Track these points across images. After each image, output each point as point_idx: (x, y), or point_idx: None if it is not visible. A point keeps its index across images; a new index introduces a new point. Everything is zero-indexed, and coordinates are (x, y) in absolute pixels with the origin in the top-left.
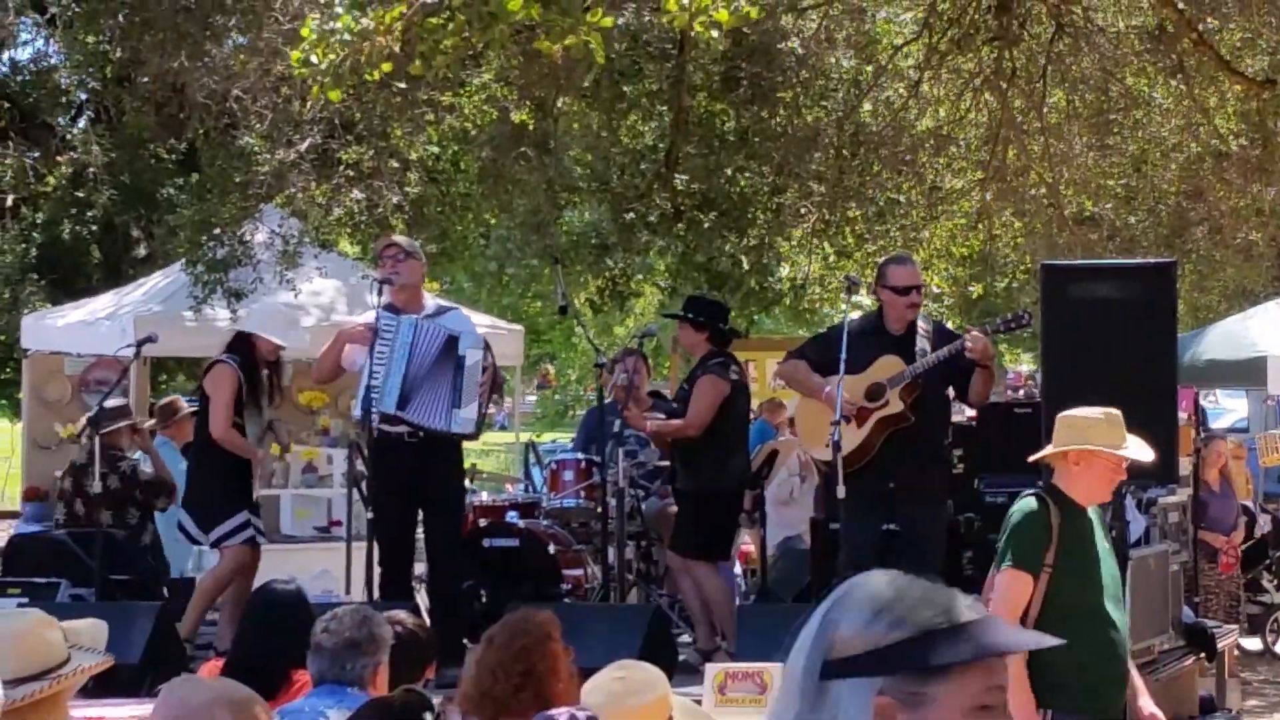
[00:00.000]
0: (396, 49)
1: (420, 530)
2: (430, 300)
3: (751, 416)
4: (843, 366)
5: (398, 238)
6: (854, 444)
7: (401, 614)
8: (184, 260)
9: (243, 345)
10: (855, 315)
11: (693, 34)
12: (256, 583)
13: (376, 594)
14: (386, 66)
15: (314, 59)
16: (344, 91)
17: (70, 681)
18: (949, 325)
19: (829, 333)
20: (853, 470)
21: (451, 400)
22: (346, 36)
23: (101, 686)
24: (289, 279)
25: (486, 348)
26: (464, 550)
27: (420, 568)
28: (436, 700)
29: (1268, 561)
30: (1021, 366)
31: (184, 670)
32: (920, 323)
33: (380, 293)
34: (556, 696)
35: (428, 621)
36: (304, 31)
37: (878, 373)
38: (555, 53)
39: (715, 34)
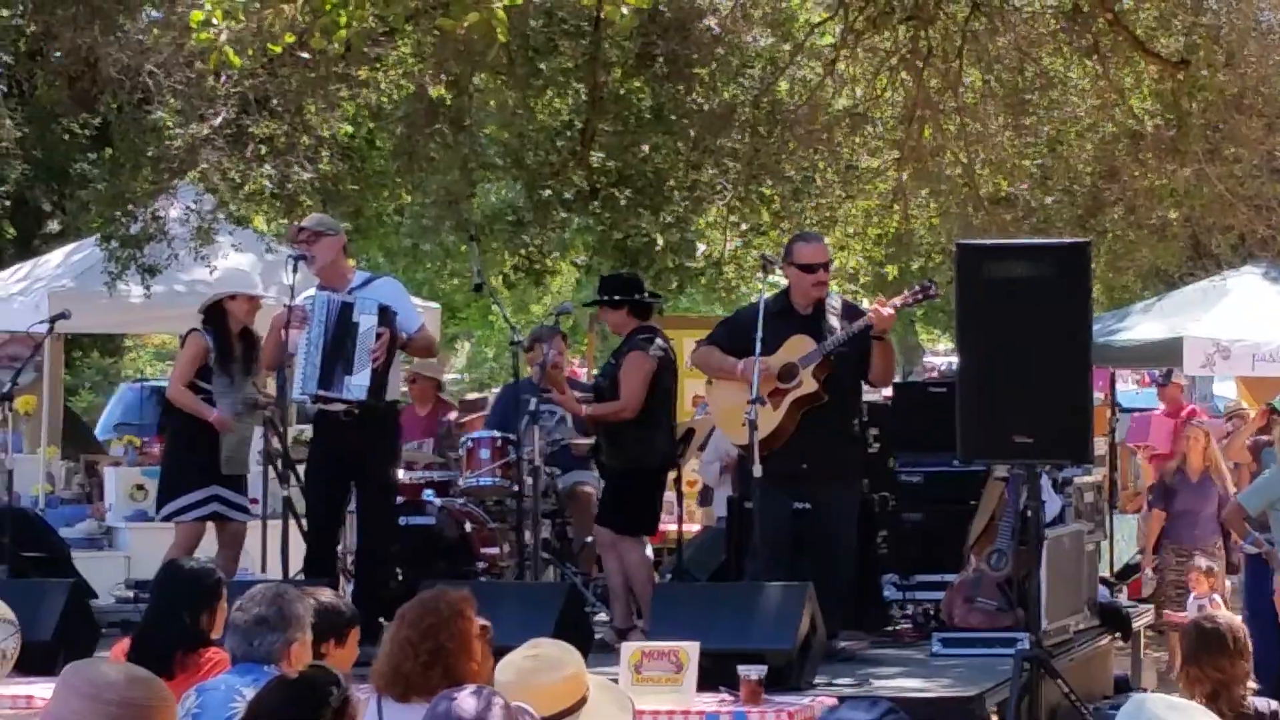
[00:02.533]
0: (299, 18)
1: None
2: (358, 273)
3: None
4: (758, 346)
5: (308, 219)
6: (770, 426)
7: (323, 590)
8: (97, 236)
9: (216, 314)
10: (769, 294)
11: (591, 13)
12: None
13: (299, 572)
14: (289, 37)
15: (214, 21)
16: (251, 63)
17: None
18: (865, 305)
19: (737, 315)
20: (769, 452)
21: (343, 367)
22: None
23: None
24: (204, 255)
25: (389, 315)
26: (394, 529)
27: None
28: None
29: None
30: (938, 345)
31: (94, 649)
32: (830, 300)
33: (295, 269)
34: (467, 675)
35: (348, 598)
36: None
37: (789, 352)
38: (457, 29)
39: (625, 11)
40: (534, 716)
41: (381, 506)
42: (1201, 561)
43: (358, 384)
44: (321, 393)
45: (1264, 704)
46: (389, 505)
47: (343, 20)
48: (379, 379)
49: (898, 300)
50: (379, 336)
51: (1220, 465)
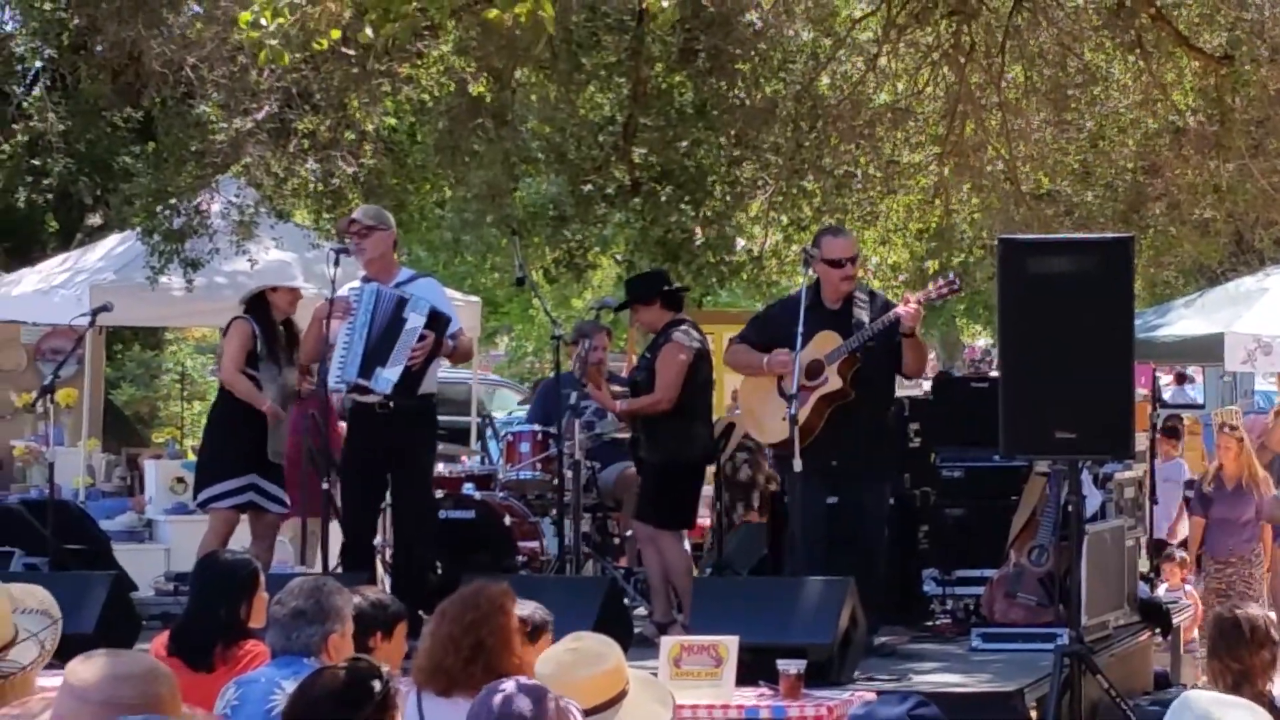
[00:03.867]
0: (346, 15)
1: (388, 500)
2: (404, 269)
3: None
4: (799, 340)
5: (359, 211)
6: (798, 423)
7: (370, 586)
8: (139, 229)
9: (258, 304)
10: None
11: (647, 5)
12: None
13: (337, 564)
14: (335, 33)
15: (263, 21)
16: (294, 57)
17: (45, 658)
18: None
19: (767, 311)
20: (789, 451)
21: (379, 360)
22: (295, 0)
23: (54, 656)
24: (245, 249)
25: (442, 321)
26: (431, 522)
27: (379, 539)
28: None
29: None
30: (978, 341)
31: (135, 641)
32: (858, 294)
33: (337, 263)
34: (509, 669)
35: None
36: None
37: (816, 348)
38: (505, 21)
39: (666, 4)
40: (578, 711)
41: (418, 500)
42: (1176, 553)
43: (387, 378)
44: (360, 381)
45: None
46: (426, 498)
47: (394, 14)
48: (410, 379)
49: (921, 295)
50: (422, 339)
51: (1256, 471)
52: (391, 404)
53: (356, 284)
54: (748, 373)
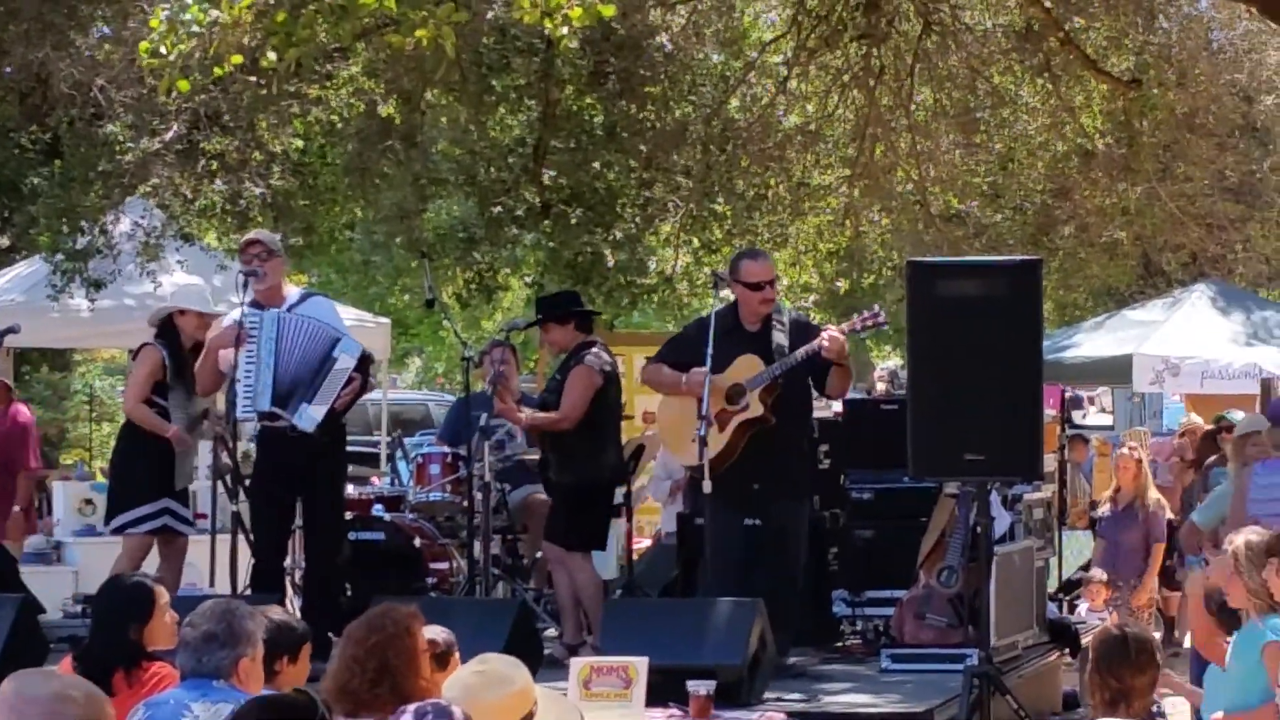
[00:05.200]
0: (247, 41)
1: (298, 523)
2: (293, 290)
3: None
4: (709, 362)
5: (260, 234)
6: (717, 447)
7: (275, 607)
8: (43, 249)
9: (168, 330)
10: (717, 309)
11: (545, 30)
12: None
13: (246, 587)
14: (236, 59)
15: (163, 49)
16: (203, 80)
17: None
18: (814, 319)
19: (684, 332)
20: (716, 473)
21: (305, 395)
22: (196, 28)
23: None
24: (150, 270)
25: (365, 358)
26: (341, 544)
27: (288, 561)
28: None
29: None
30: (888, 362)
31: (43, 663)
32: (776, 316)
33: (245, 286)
34: (415, 691)
35: (296, 614)
36: (153, 22)
37: (737, 372)
38: (407, 46)
39: (565, 31)
40: None
41: (330, 522)
42: (1097, 573)
43: (311, 416)
44: (275, 409)
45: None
46: (337, 521)
47: (296, 38)
48: (332, 419)
49: (846, 326)
50: (349, 381)
51: (1148, 493)
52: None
53: (238, 311)
54: (666, 391)
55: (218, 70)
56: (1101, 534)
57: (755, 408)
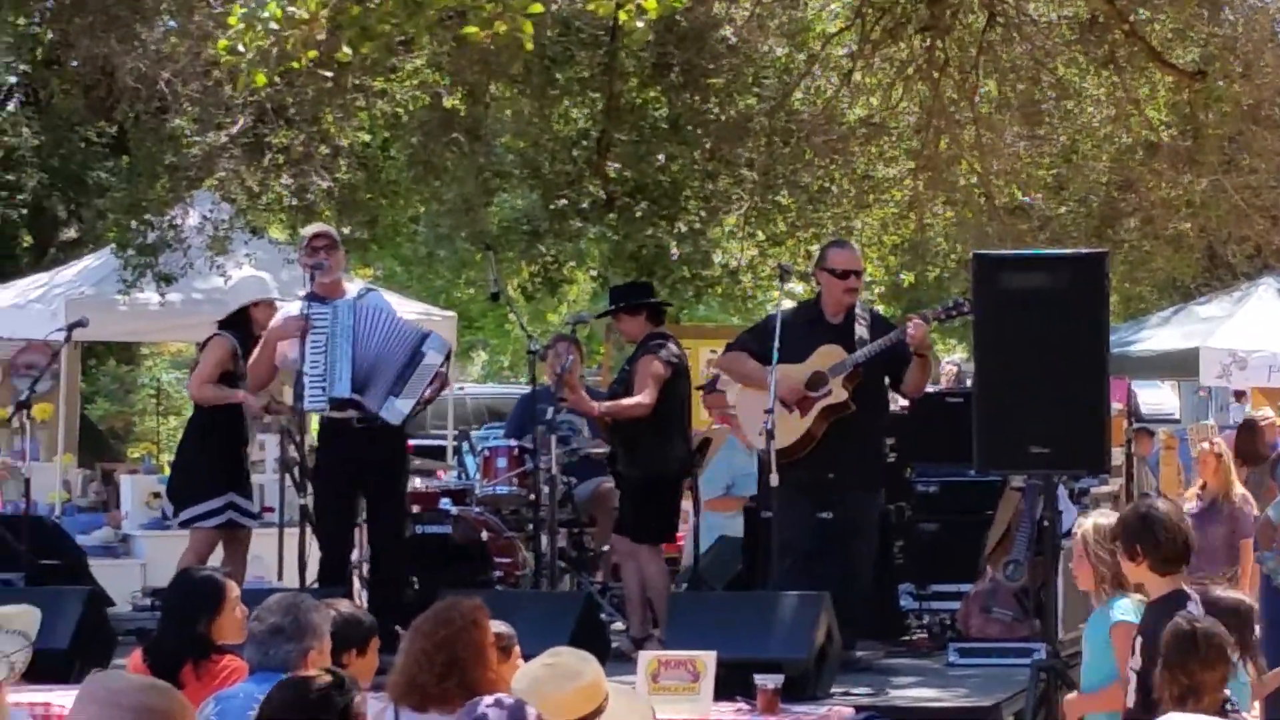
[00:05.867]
0: (323, 36)
1: (363, 517)
2: (350, 285)
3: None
4: (776, 355)
5: (322, 227)
6: (797, 433)
7: (342, 601)
8: (113, 243)
9: (238, 320)
10: (788, 303)
11: (609, 22)
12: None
13: (314, 580)
14: (312, 54)
15: (240, 46)
16: (271, 77)
17: (14, 677)
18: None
19: (766, 322)
20: (794, 459)
21: (392, 388)
22: (273, 25)
23: (28, 672)
24: (219, 264)
25: (449, 355)
26: (406, 538)
27: (356, 554)
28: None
29: None
30: (954, 355)
31: (111, 657)
32: (858, 309)
33: (312, 279)
34: (483, 684)
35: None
36: (231, 19)
37: (818, 361)
38: (483, 38)
39: (640, 24)
40: None
41: (394, 515)
42: None
43: (399, 409)
44: (354, 397)
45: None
46: (401, 513)
47: (371, 32)
48: (416, 412)
49: (928, 313)
50: (436, 377)
51: (1233, 488)
52: (367, 421)
53: (296, 304)
54: (745, 382)
55: (295, 65)
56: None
57: (838, 393)
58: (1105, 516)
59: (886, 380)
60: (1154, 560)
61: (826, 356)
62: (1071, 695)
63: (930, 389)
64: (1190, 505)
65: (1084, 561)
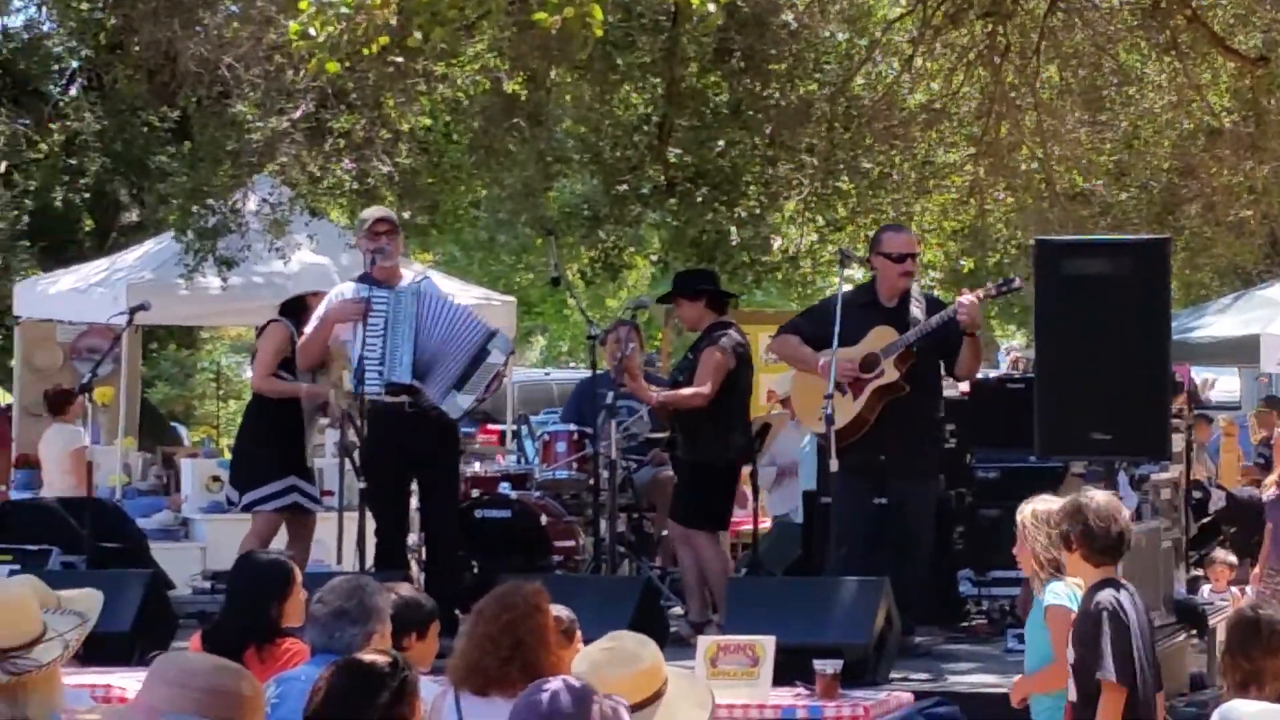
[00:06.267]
0: (393, 21)
1: (415, 501)
2: (406, 270)
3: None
4: (836, 340)
5: (384, 211)
6: (850, 416)
7: (402, 584)
8: (174, 228)
9: (295, 308)
10: (848, 289)
11: (690, 6)
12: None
13: (370, 564)
14: (383, 40)
15: (311, 31)
16: (342, 64)
17: (67, 656)
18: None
19: (821, 306)
20: (847, 443)
21: (455, 382)
22: (344, 9)
23: (90, 655)
24: (278, 247)
25: (510, 353)
26: (459, 521)
27: (414, 538)
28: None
29: (1220, 538)
30: (1012, 341)
31: (172, 639)
32: (914, 293)
33: (373, 264)
34: (546, 668)
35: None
36: (302, 4)
37: (871, 344)
38: (552, 24)
39: (712, 8)
40: (625, 709)
41: (447, 499)
42: (1221, 554)
43: (460, 405)
44: (415, 384)
45: None
46: (454, 498)
47: (441, 17)
48: (473, 409)
49: (980, 292)
50: (496, 376)
51: None
52: (418, 406)
53: (348, 286)
54: (798, 367)
55: (366, 51)
56: (1269, 518)
57: (890, 374)
58: (1044, 502)
59: (941, 366)
60: (1086, 550)
61: (880, 338)
62: (1018, 677)
63: (991, 374)
64: (1270, 493)
65: (1023, 546)
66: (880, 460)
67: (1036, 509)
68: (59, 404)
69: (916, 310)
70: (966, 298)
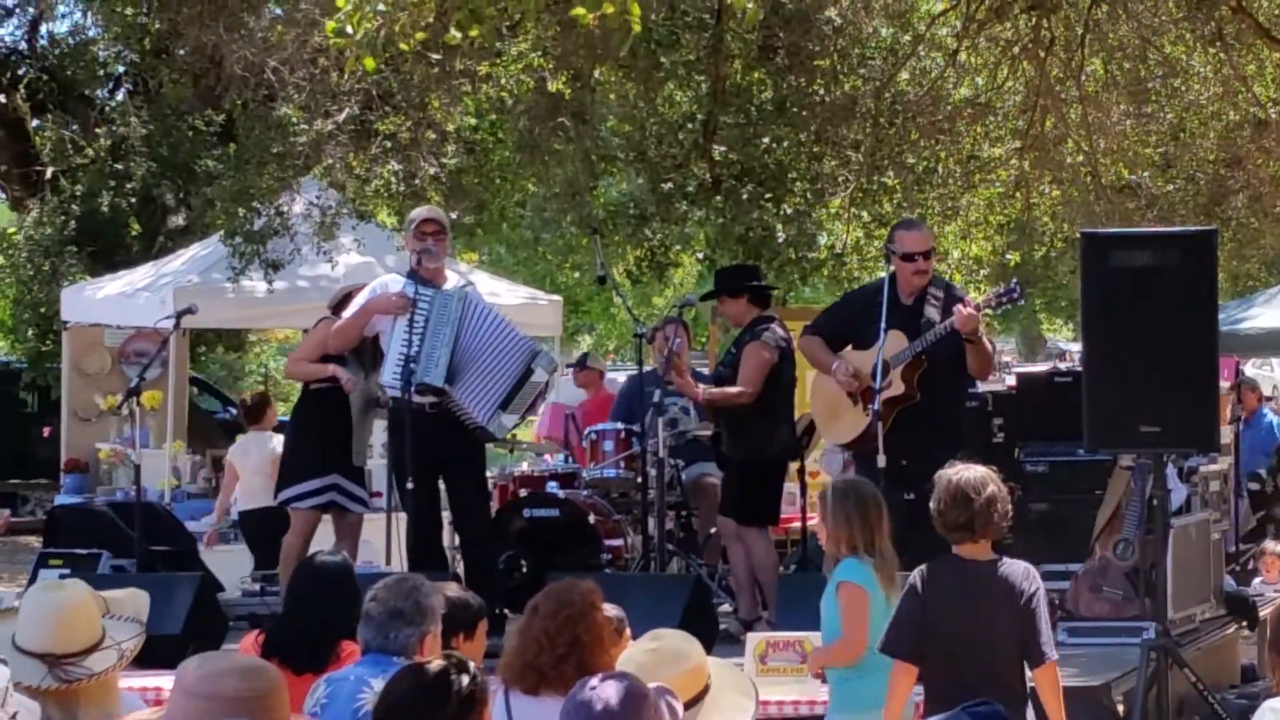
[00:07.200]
0: (431, 19)
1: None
2: (451, 273)
3: None
4: (883, 336)
5: (434, 212)
6: (860, 428)
7: (450, 584)
8: (221, 231)
9: (344, 306)
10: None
11: (729, 2)
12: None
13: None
14: (421, 35)
15: (349, 29)
16: (379, 61)
17: (122, 665)
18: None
19: (844, 301)
20: (865, 450)
21: (501, 401)
22: (381, 6)
23: (141, 658)
24: (326, 250)
25: (554, 369)
26: (490, 518)
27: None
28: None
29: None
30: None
31: (223, 641)
32: (932, 289)
33: (419, 264)
34: (601, 666)
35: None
36: (340, 2)
37: (886, 348)
38: (591, 21)
39: (751, 4)
40: (678, 701)
41: (475, 498)
42: (1271, 545)
43: (505, 424)
44: (445, 387)
45: None
46: (483, 496)
47: (480, 14)
48: (516, 426)
49: (981, 300)
50: (542, 396)
51: None
52: (441, 406)
53: (400, 279)
54: (818, 369)
55: (404, 46)
56: None
57: (897, 386)
58: (844, 482)
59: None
60: (939, 524)
61: (892, 344)
62: (814, 649)
63: (1039, 368)
64: None
65: (822, 523)
66: (902, 465)
67: (835, 485)
68: (255, 412)
69: (932, 309)
70: (964, 310)
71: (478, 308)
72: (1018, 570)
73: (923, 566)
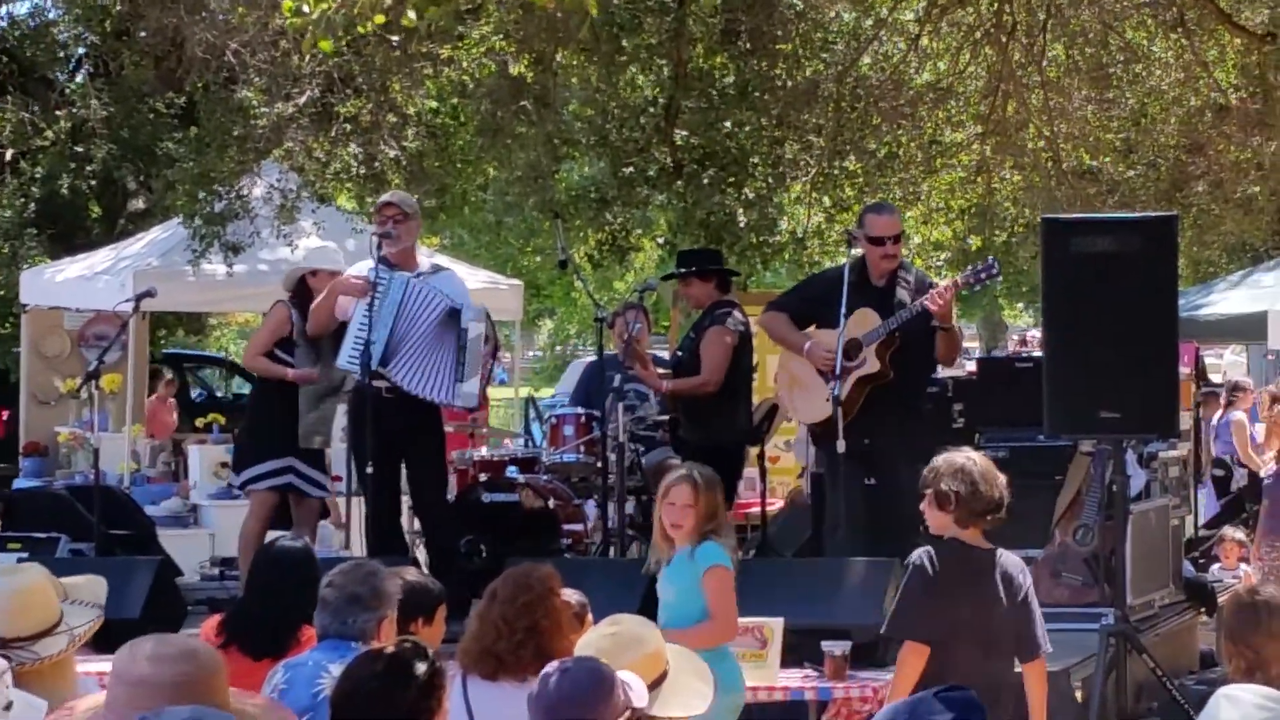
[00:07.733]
0: (390, 1)
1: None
2: (424, 259)
3: None
4: (843, 320)
5: (397, 196)
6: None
7: (409, 569)
8: (181, 214)
9: (301, 290)
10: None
11: None
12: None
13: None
14: (380, 19)
15: (305, 8)
16: (337, 42)
17: (72, 650)
18: (942, 279)
19: (811, 281)
20: (831, 430)
21: (455, 373)
22: None
23: (100, 642)
24: (286, 234)
25: (486, 316)
26: (450, 503)
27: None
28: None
29: (1244, 516)
30: (1020, 322)
31: (181, 626)
32: (903, 274)
33: (379, 248)
34: (560, 652)
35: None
36: None
37: (854, 326)
38: (548, 4)
39: None
40: (642, 688)
41: (435, 482)
42: (1230, 531)
43: (468, 391)
44: (379, 369)
45: None
46: (442, 479)
47: None
48: (483, 388)
49: (958, 278)
50: (487, 342)
51: None
52: (398, 390)
53: (369, 264)
54: (785, 347)
55: (361, 28)
56: (1266, 494)
57: (872, 363)
58: (689, 467)
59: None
60: (969, 507)
61: (861, 321)
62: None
63: (1000, 354)
64: (1269, 469)
65: (686, 510)
66: (865, 444)
67: (703, 473)
68: None
69: (904, 292)
70: (938, 290)
71: (420, 289)
72: (1015, 562)
73: (928, 549)
